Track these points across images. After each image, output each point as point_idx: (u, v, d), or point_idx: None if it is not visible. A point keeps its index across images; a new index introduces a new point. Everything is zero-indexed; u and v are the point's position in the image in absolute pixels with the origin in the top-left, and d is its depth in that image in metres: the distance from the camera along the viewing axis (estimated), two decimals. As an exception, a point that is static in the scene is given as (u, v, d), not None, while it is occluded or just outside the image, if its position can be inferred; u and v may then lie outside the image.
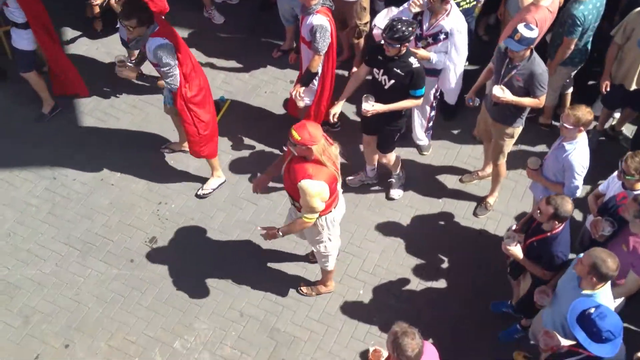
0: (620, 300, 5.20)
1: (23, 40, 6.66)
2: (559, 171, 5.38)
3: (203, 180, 6.68)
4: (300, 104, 6.50)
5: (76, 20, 8.10)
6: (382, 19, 6.43)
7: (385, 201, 6.71)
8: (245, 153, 7.02)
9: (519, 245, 5.00)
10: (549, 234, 4.89)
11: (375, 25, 6.49)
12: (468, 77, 6.98)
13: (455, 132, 7.28)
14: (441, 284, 6.17)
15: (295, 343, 5.78)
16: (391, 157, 6.43)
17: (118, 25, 7.18)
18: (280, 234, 5.22)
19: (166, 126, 6.95)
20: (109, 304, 5.94)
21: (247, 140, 7.12)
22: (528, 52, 5.54)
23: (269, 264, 6.20)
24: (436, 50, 6.24)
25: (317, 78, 6.39)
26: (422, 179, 6.88)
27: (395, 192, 6.72)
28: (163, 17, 5.66)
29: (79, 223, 6.44)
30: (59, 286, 6.04)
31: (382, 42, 5.68)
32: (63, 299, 5.96)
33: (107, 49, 7.90)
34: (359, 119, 7.14)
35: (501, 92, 5.62)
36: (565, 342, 4.38)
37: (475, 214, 6.61)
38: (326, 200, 4.97)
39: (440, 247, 6.39)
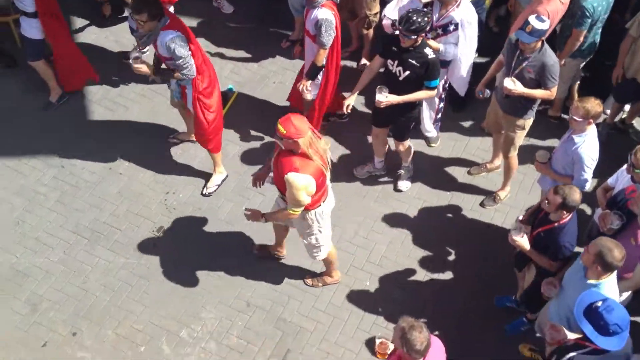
0: (627, 294, 5.19)
1: (32, 29, 6.66)
2: (568, 164, 5.35)
3: (211, 169, 6.68)
4: (308, 96, 6.50)
5: (84, 4, 8.09)
6: (392, 9, 6.40)
7: (393, 193, 6.70)
8: (253, 144, 7.02)
9: (525, 236, 4.99)
10: (556, 224, 4.88)
11: (385, 15, 6.46)
12: (478, 69, 6.95)
13: (464, 123, 7.25)
14: (447, 276, 6.16)
15: (301, 333, 5.79)
16: (407, 145, 6.42)
17: (127, 14, 7.17)
18: (263, 219, 5.25)
19: (174, 116, 6.95)
20: (117, 292, 5.97)
21: (255, 131, 7.11)
22: (539, 44, 5.50)
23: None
24: (446, 41, 6.21)
25: (321, 71, 6.38)
26: (430, 171, 6.86)
27: (403, 184, 6.71)
28: (172, 10, 5.65)
29: (87, 212, 6.46)
30: (66, 274, 6.07)
31: (397, 33, 5.66)
32: (71, 287, 5.99)
33: (116, 38, 7.91)
34: (367, 110, 7.13)
35: (512, 85, 5.59)
36: (572, 336, 4.37)
37: (482, 204, 6.58)
38: (312, 194, 4.96)
39: (448, 239, 6.38)
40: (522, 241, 4.98)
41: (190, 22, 7.94)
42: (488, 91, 6.22)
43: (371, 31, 7.40)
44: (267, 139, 7.02)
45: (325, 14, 5.95)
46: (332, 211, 6.46)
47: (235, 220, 6.43)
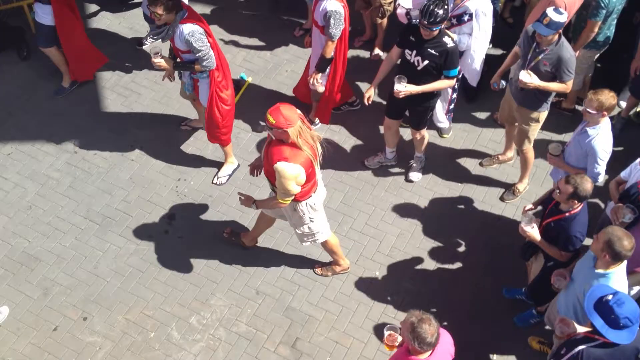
0: (638, 288, 5.16)
1: (46, 15, 6.67)
2: (581, 157, 5.32)
3: (222, 157, 6.68)
4: (320, 89, 6.48)
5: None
6: (407, -2, 6.37)
7: (404, 183, 6.69)
8: (265, 132, 7.02)
9: (536, 227, 4.97)
10: (567, 214, 4.86)
11: (399, 4, 6.43)
12: (491, 60, 6.93)
13: (477, 114, 7.22)
14: (457, 267, 6.15)
15: (310, 322, 5.80)
16: (424, 133, 6.41)
17: (141, 0, 7.17)
18: (255, 206, 5.27)
19: (187, 103, 6.95)
20: (127, 278, 6.00)
21: (264, 118, 7.08)
22: (556, 37, 5.45)
23: (285, 243, 6.21)
24: (460, 31, 6.17)
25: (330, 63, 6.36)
26: (442, 162, 6.84)
27: (415, 175, 6.69)
28: (187, 0, 5.63)
29: (99, 197, 6.49)
30: (78, 259, 6.11)
31: (413, 23, 5.63)
32: (82, 272, 6.03)
33: (130, 24, 7.91)
34: (379, 100, 7.10)
35: (528, 78, 5.54)
36: (581, 329, 4.36)
37: (502, 198, 6.55)
38: (302, 184, 4.96)
39: (458, 230, 6.36)
40: (533, 232, 4.97)
41: (203, 10, 7.95)
42: (503, 82, 6.18)
43: (385, 20, 7.37)
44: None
45: (335, 6, 5.92)
46: (342, 201, 6.50)
47: (246, 208, 6.40)
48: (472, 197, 6.60)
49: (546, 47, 5.49)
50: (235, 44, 7.76)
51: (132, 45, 7.74)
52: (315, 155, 4.96)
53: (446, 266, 6.15)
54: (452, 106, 6.84)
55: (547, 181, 6.53)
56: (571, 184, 4.70)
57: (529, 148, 6.23)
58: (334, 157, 6.77)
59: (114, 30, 7.88)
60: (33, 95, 7.22)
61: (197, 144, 6.90)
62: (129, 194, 6.54)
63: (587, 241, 4.93)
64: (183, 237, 6.27)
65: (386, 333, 4.43)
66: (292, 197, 5.01)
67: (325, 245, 5.78)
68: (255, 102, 7.20)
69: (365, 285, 6.02)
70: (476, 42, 6.33)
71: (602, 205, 6.25)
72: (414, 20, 5.94)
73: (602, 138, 5.18)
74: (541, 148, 6.29)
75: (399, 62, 6.00)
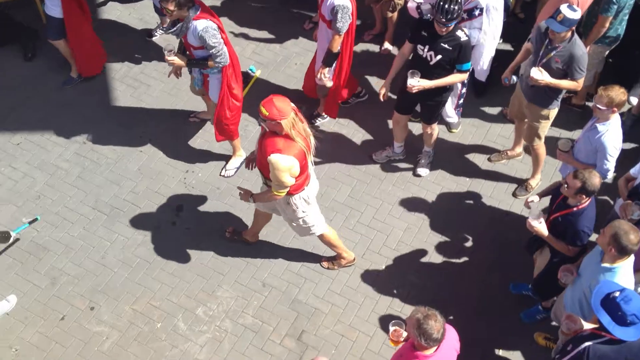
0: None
1: (56, 8, 6.68)
2: (590, 153, 5.30)
3: (230, 150, 6.69)
4: (329, 83, 6.47)
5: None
6: (418, -8, 6.33)
7: (412, 177, 6.67)
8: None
9: (543, 221, 4.96)
10: (574, 208, 4.85)
11: (410, -2, 6.40)
12: (501, 55, 6.90)
13: (486, 109, 7.19)
14: (464, 262, 6.14)
15: (316, 315, 5.81)
16: (435, 128, 6.39)
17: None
18: (252, 199, 5.28)
19: (196, 95, 6.95)
20: (134, 269, 6.03)
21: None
22: (569, 34, 5.41)
23: (292, 236, 6.21)
24: (470, 25, 6.16)
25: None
26: (450, 157, 6.82)
27: (423, 169, 6.68)
28: None
29: (107, 188, 6.51)
30: (86, 249, 6.13)
31: (425, 18, 5.61)
32: (90, 262, 6.06)
33: (140, 15, 7.92)
34: (388, 94, 7.08)
35: (540, 75, 5.51)
36: (588, 326, 4.35)
37: (514, 194, 6.53)
38: (296, 176, 4.96)
39: (465, 225, 6.35)
40: (540, 227, 4.95)
41: (213, 2, 7.94)
42: (515, 78, 6.15)
43: (395, 14, 7.35)
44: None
45: (342, 0, 5.90)
46: (350, 194, 6.50)
47: (253, 201, 6.44)
48: (480, 192, 6.59)
49: (558, 44, 5.46)
50: (245, 36, 7.76)
51: (142, 36, 7.75)
52: (308, 147, 4.98)
53: (453, 261, 6.14)
54: (461, 101, 6.82)
55: (556, 177, 6.50)
56: (579, 178, 4.69)
57: (540, 144, 6.20)
58: (341, 151, 6.81)
59: (124, 21, 7.89)
60: (42, 86, 7.24)
61: (206, 136, 6.91)
62: (137, 185, 6.55)
63: (595, 237, 4.91)
64: (190, 228, 6.28)
65: (391, 328, 4.43)
66: (287, 189, 5.02)
67: (322, 239, 5.78)
68: (263, 95, 7.03)
69: (372, 279, 6.02)
70: (486, 37, 6.31)
71: (612, 202, 6.22)
72: (425, 16, 5.92)
73: (611, 134, 5.16)
74: (551, 144, 6.26)
75: (411, 57, 5.98)
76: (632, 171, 5.32)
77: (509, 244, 6.15)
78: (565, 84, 5.60)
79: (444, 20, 5.43)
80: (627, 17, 6.32)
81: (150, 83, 7.33)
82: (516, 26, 7.51)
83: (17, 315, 5.73)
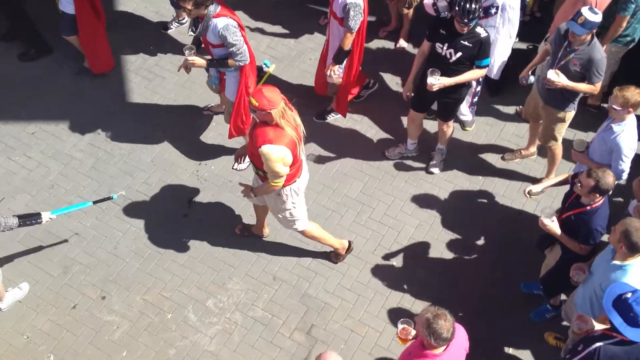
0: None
1: (69, 4, 6.72)
2: (605, 153, 5.27)
3: (243, 143, 6.69)
4: (338, 80, 6.47)
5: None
6: (434, -11, 6.32)
7: (424, 175, 6.66)
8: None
9: (556, 220, 4.94)
10: (588, 207, 4.83)
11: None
12: (517, 55, 6.87)
13: (500, 108, 7.16)
14: (475, 260, 6.13)
15: (325, 309, 5.82)
16: (451, 125, 6.39)
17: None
18: (253, 194, 5.32)
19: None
20: (146, 259, 6.05)
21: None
22: (589, 37, 5.38)
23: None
24: (486, 24, 6.13)
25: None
26: (463, 155, 6.80)
27: (435, 167, 6.66)
28: None
29: (120, 179, 6.54)
30: (98, 239, 6.17)
31: (443, 16, 5.62)
32: (102, 252, 6.09)
33: (156, 8, 7.95)
34: (402, 91, 7.08)
35: (556, 77, 5.49)
36: (599, 326, 4.34)
37: (529, 193, 6.50)
38: (289, 165, 4.98)
39: (477, 224, 6.33)
40: (553, 225, 4.94)
41: (229, -5, 7.95)
42: (532, 78, 6.12)
43: (411, 11, 7.33)
44: (301, 114, 6.92)
45: None
46: (362, 190, 6.50)
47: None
48: (493, 191, 6.57)
49: (578, 47, 5.42)
50: (260, 30, 7.77)
51: (158, 29, 7.77)
52: (299, 137, 5.01)
53: (464, 259, 6.13)
54: (475, 99, 6.79)
55: (569, 177, 6.47)
56: (593, 177, 4.67)
57: (557, 145, 6.18)
58: (354, 147, 6.81)
59: (140, 13, 7.92)
60: (58, 76, 7.28)
61: (219, 129, 6.92)
62: (150, 176, 6.58)
63: (607, 237, 4.90)
64: (202, 220, 6.30)
65: (400, 327, 4.43)
66: (284, 178, 5.05)
67: (305, 234, 5.79)
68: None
69: (382, 275, 6.01)
70: (501, 35, 6.28)
71: (625, 204, 6.18)
72: (442, 13, 5.91)
73: (627, 135, 5.13)
74: (565, 144, 6.24)
75: (429, 55, 5.96)
76: (648, 172, 5.30)
77: (521, 243, 6.12)
78: (582, 87, 5.57)
79: (465, 20, 5.43)
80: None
81: (165, 76, 7.35)
82: (533, 25, 7.47)
83: (29, 302, 5.78)
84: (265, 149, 4.84)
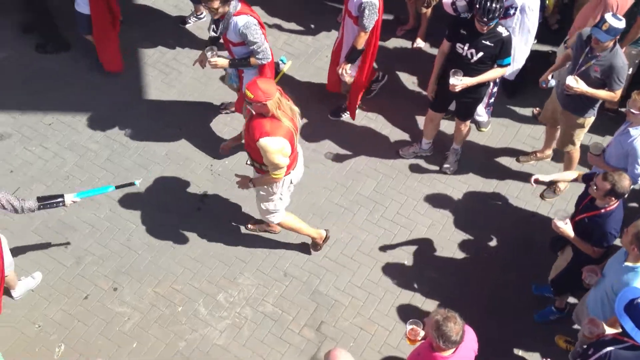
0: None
1: (84, 5, 6.75)
2: (622, 157, 5.23)
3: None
4: (349, 80, 6.46)
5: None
6: (453, -12, 6.29)
7: (438, 174, 6.64)
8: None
9: (569, 223, 4.91)
10: (602, 210, 4.80)
11: (445, -6, 6.36)
12: (535, 56, 6.83)
13: (517, 110, 7.12)
14: (487, 261, 6.10)
15: (335, 307, 5.82)
16: (469, 125, 6.39)
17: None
18: (252, 185, 5.33)
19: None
20: (158, 252, 6.08)
21: (302, 103, 7.06)
22: (611, 43, 5.34)
23: (316, 227, 6.22)
24: (505, 24, 6.08)
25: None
26: (478, 156, 6.77)
27: (449, 167, 6.64)
28: None
29: (135, 171, 6.57)
30: (111, 231, 6.20)
31: (462, 16, 5.63)
32: (115, 244, 6.13)
33: (175, 2, 7.97)
34: (418, 89, 7.07)
35: (575, 83, 5.45)
36: (610, 331, 4.31)
37: (542, 196, 6.47)
38: (288, 155, 4.99)
39: (490, 225, 6.30)
40: (566, 228, 4.91)
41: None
42: (553, 81, 6.08)
43: (429, 10, 7.30)
44: (313, 110, 6.97)
45: None
46: (375, 189, 6.49)
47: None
48: (507, 192, 6.53)
49: (599, 53, 5.38)
50: (278, 26, 7.77)
51: (176, 23, 7.80)
52: (295, 127, 5.01)
53: (477, 259, 6.11)
54: (491, 100, 6.76)
55: (584, 181, 6.42)
56: (609, 180, 4.64)
57: (573, 150, 6.14)
58: (368, 145, 6.80)
59: (159, 7, 7.95)
60: (75, 69, 7.32)
61: (234, 124, 6.94)
62: (164, 169, 6.61)
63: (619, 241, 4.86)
64: (215, 215, 6.32)
65: (408, 327, 4.42)
66: (284, 169, 5.06)
67: (283, 226, 5.83)
68: (293, 87, 7.20)
69: (393, 274, 6.00)
70: (520, 36, 6.24)
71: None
72: (462, 13, 5.89)
73: (644, 139, 5.08)
74: (582, 149, 6.18)
75: (448, 55, 5.92)
76: (664, 177, 5.24)
77: (535, 245, 6.09)
78: (602, 94, 5.53)
79: (486, 19, 5.41)
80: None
81: (182, 70, 7.38)
82: (550, 29, 7.43)
83: (41, 292, 5.82)
84: (263, 141, 4.86)
